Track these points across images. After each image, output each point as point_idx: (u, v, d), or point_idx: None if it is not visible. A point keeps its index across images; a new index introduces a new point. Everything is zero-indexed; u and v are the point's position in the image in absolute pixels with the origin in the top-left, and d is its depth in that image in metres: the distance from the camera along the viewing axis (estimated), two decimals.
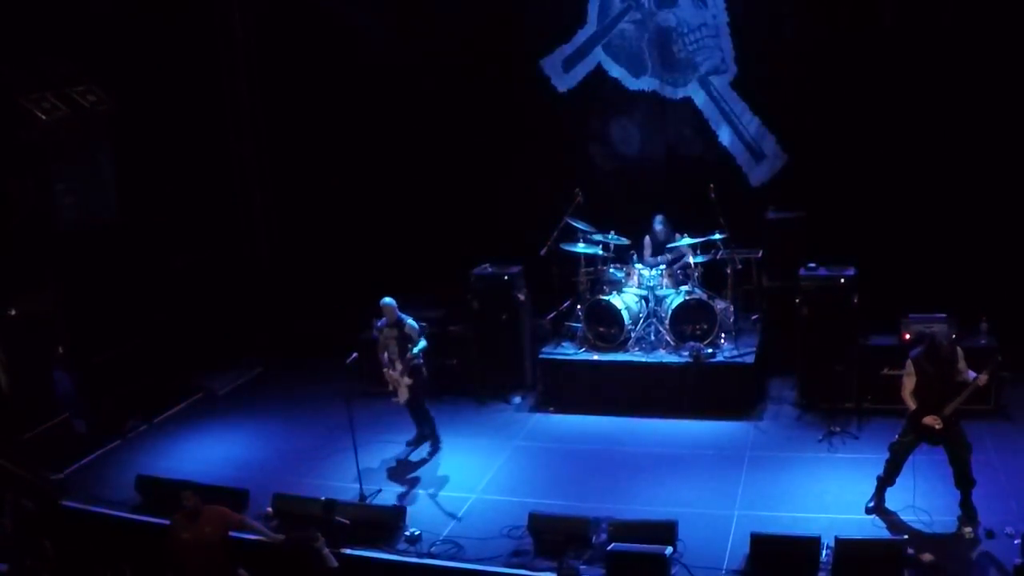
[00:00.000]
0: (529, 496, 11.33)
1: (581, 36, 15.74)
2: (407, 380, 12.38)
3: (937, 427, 9.90)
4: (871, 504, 10.48)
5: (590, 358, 13.93)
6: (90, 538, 10.29)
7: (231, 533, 9.74)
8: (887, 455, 10.34)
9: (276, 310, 17.26)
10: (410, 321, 12.47)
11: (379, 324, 12.71)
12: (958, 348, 10.01)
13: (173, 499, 11.22)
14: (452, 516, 11.16)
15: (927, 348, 9.98)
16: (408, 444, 12.94)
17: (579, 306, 14.39)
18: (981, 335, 12.71)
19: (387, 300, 12.52)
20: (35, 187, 13.79)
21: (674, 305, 13.73)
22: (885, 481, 10.42)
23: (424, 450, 12.79)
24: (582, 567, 9.73)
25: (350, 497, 11.35)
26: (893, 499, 10.44)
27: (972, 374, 9.90)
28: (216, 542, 9.52)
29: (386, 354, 12.53)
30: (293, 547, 9.32)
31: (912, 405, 10.03)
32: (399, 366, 12.41)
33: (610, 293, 14.04)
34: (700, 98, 15.37)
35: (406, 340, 12.37)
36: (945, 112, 13.76)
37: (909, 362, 10.13)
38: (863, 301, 12.86)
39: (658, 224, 14.44)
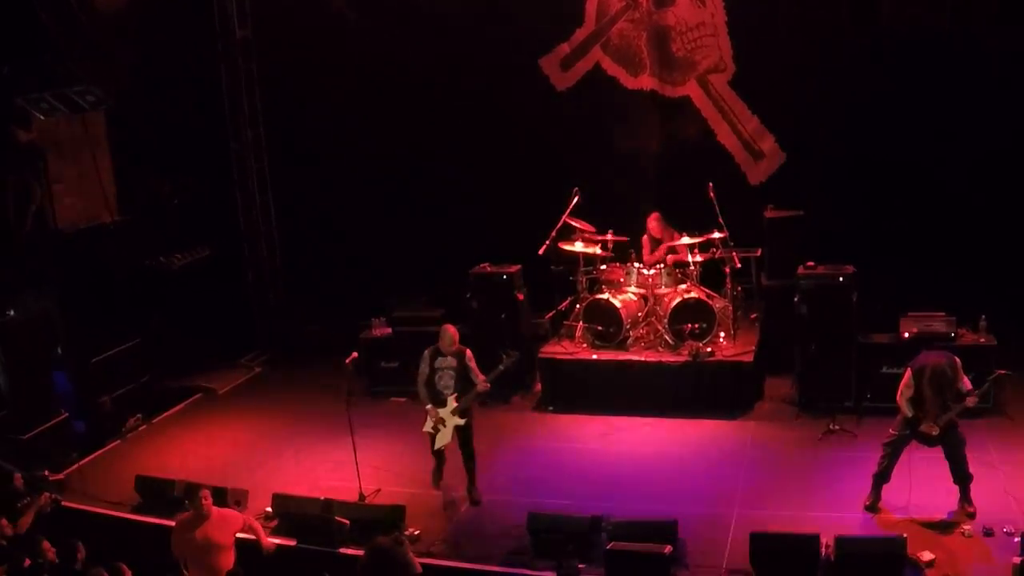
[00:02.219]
0: (528, 495, 11.31)
1: (579, 35, 15.76)
2: (458, 420, 11.08)
3: (933, 434, 9.97)
4: (869, 502, 10.49)
5: (589, 357, 13.93)
6: (89, 538, 10.25)
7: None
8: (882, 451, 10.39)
9: (275, 309, 17.26)
10: (469, 352, 11.18)
11: (425, 354, 11.26)
12: (958, 363, 10.01)
13: (173, 499, 11.32)
14: (451, 516, 11.17)
15: (929, 370, 9.95)
16: (436, 487, 11.62)
17: (578, 305, 14.39)
18: (980, 333, 12.72)
19: (449, 326, 11.21)
20: (34, 187, 13.79)
21: (673, 304, 13.73)
22: (880, 477, 10.43)
23: (425, 454, 12.60)
24: (581, 567, 9.70)
25: (349, 497, 11.34)
26: (891, 497, 10.44)
27: (968, 383, 9.97)
28: (225, 544, 9.47)
29: (426, 389, 11.21)
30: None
31: (908, 413, 10.09)
32: (452, 403, 11.10)
33: (608, 292, 14.04)
34: (698, 97, 15.38)
35: (466, 371, 11.10)
36: (943, 110, 13.77)
37: (908, 373, 10.15)
38: (862, 299, 12.87)
39: (655, 223, 14.41)
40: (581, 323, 14.15)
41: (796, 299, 13.08)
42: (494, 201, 15.76)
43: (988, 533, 9.80)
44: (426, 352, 11.31)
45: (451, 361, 11.11)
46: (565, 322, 14.75)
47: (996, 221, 13.85)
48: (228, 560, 9.52)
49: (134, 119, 14.85)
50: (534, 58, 15.93)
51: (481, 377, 11.11)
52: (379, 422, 13.44)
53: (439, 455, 11.45)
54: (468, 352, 11.18)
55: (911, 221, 14.16)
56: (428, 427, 11.24)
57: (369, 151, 16.35)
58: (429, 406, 11.18)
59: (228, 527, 9.58)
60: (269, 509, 11.26)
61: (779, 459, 11.94)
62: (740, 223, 14.04)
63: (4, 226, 13.56)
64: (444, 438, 11.19)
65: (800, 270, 13.11)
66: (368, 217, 16.42)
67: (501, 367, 11.34)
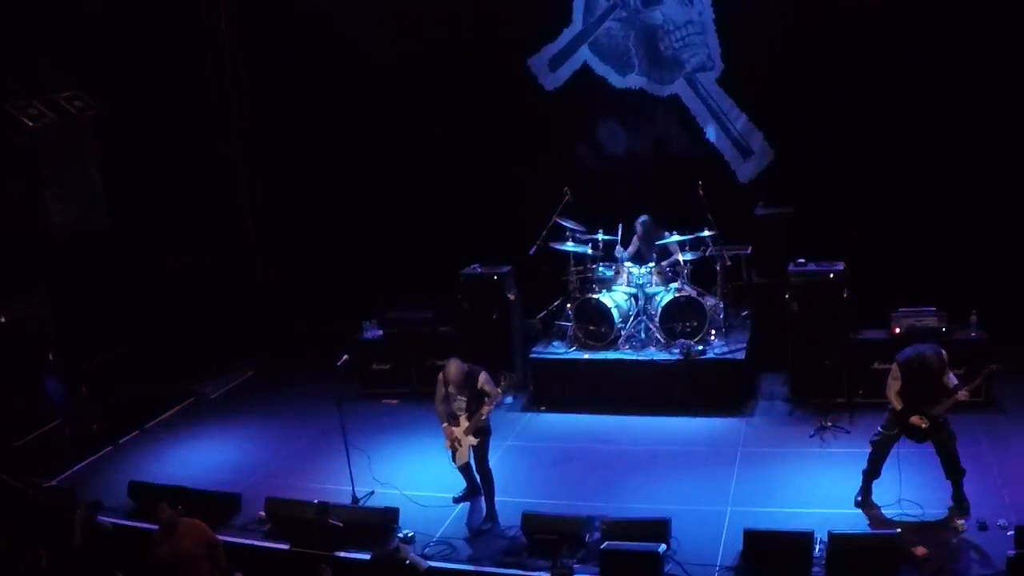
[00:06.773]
0: (522, 496, 11.33)
1: (567, 35, 15.75)
2: (472, 440, 10.89)
3: (923, 426, 9.95)
4: (859, 498, 10.51)
5: (580, 357, 13.93)
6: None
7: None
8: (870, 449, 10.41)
9: (266, 313, 17.23)
10: (484, 375, 10.79)
11: (440, 376, 11.01)
12: (944, 356, 10.01)
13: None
14: (445, 517, 11.16)
15: (915, 362, 9.95)
16: (456, 500, 11.48)
17: (569, 305, 14.39)
18: (971, 328, 12.75)
19: (454, 361, 10.85)
20: (24, 193, 13.76)
21: (664, 302, 13.74)
22: (870, 474, 10.45)
23: (418, 456, 12.69)
24: (576, 566, 9.72)
25: (343, 500, 11.34)
26: (884, 493, 10.46)
27: (954, 378, 9.96)
28: (199, 555, 9.28)
29: (442, 406, 11.03)
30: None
31: (898, 405, 10.07)
32: (464, 423, 10.89)
33: (600, 291, 14.04)
34: (687, 95, 15.40)
35: (480, 396, 10.81)
36: (933, 107, 13.76)
37: (895, 366, 10.14)
38: (852, 296, 12.88)
39: (640, 225, 14.37)
40: (572, 323, 14.14)
41: (787, 296, 13.10)
42: (484, 202, 15.76)
43: (982, 527, 9.82)
44: (440, 374, 11.04)
45: (463, 391, 10.85)
46: (556, 322, 14.75)
47: (987, 216, 13.87)
48: (202, 571, 9.31)
49: (123, 124, 14.80)
50: (522, 58, 15.93)
51: (494, 389, 10.81)
52: (371, 424, 13.44)
53: (465, 473, 11.33)
54: (481, 376, 10.78)
55: (901, 216, 14.17)
56: (446, 445, 11.11)
57: (359, 152, 16.32)
58: (444, 425, 11.02)
59: (197, 539, 9.37)
60: (263, 513, 11.25)
61: (772, 456, 11.95)
62: (730, 221, 14.05)
63: None
64: (462, 456, 11.03)
65: (790, 267, 13.13)
66: (358, 219, 16.39)
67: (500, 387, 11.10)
